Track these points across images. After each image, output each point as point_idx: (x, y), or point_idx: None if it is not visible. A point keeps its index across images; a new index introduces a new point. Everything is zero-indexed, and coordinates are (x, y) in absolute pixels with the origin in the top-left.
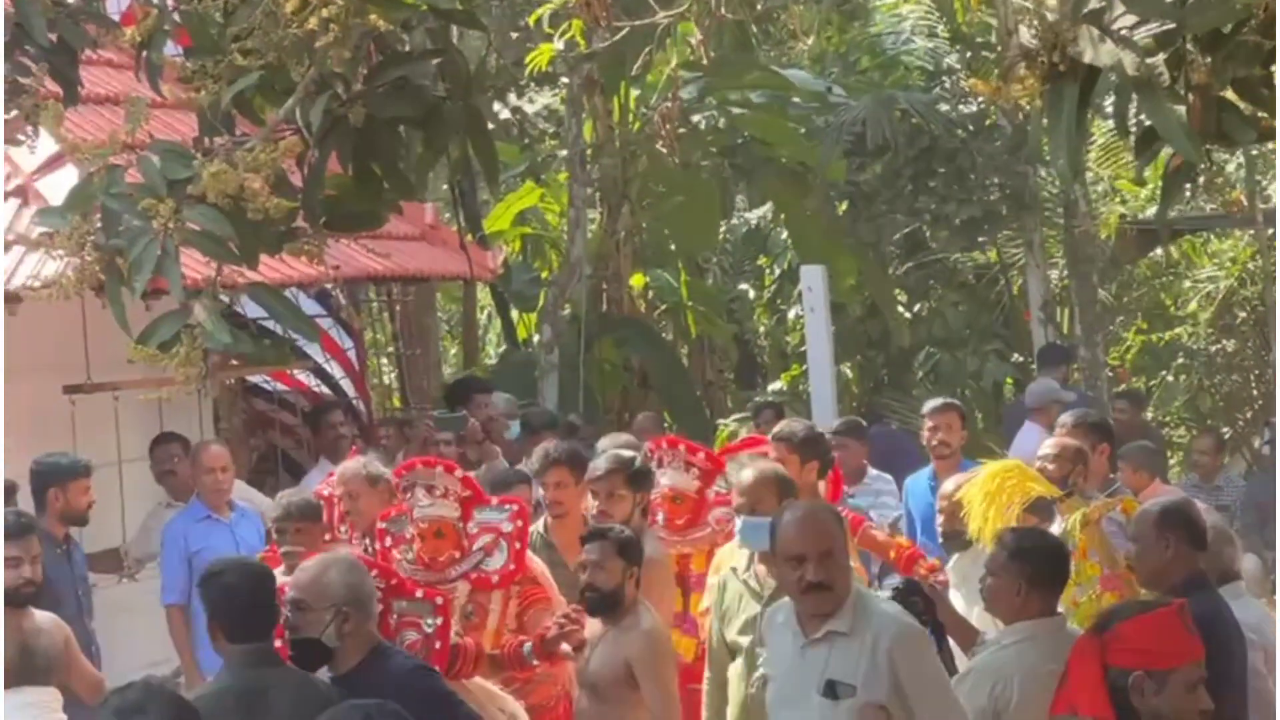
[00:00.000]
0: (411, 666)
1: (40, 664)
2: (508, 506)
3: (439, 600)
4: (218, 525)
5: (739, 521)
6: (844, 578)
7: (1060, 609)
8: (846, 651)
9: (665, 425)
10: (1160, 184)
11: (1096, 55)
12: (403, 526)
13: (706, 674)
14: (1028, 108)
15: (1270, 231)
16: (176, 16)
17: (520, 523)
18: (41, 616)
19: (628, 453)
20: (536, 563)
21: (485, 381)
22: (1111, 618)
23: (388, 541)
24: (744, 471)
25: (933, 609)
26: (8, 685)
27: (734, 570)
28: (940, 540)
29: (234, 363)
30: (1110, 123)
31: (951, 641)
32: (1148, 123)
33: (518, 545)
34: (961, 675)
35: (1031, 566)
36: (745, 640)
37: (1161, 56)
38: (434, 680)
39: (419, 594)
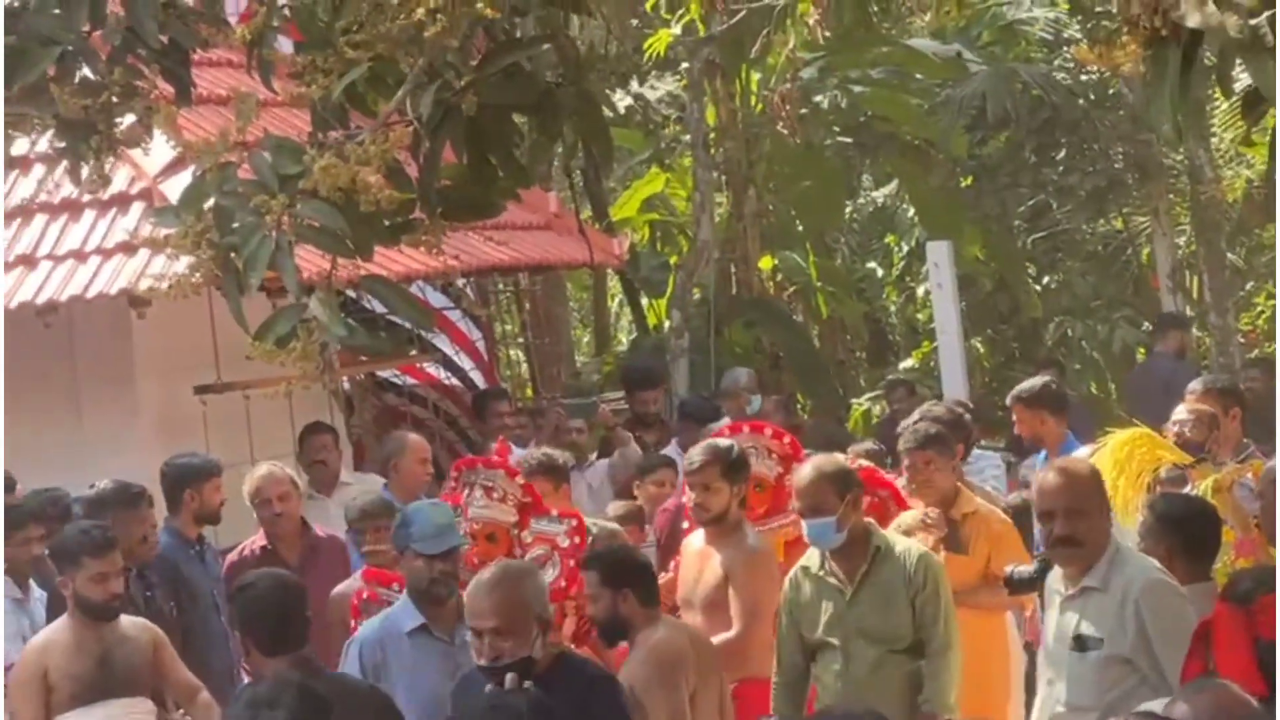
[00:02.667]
0: (599, 675)
1: (120, 675)
2: (566, 520)
3: (574, 521)
4: None
5: (805, 524)
6: (1096, 535)
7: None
8: (1100, 606)
9: (798, 406)
10: (1268, 146)
11: (1199, 18)
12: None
13: (775, 676)
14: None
15: None
16: (287, 12)
17: (578, 540)
18: (128, 624)
19: (724, 442)
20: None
21: (650, 371)
22: (1254, 586)
23: None
24: (802, 470)
25: None
26: (89, 700)
27: (805, 569)
28: None
29: (362, 358)
30: None
31: None
32: (1253, 85)
33: (572, 562)
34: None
35: (1177, 532)
36: (833, 639)
37: (1265, 16)
38: (618, 691)
39: (554, 512)
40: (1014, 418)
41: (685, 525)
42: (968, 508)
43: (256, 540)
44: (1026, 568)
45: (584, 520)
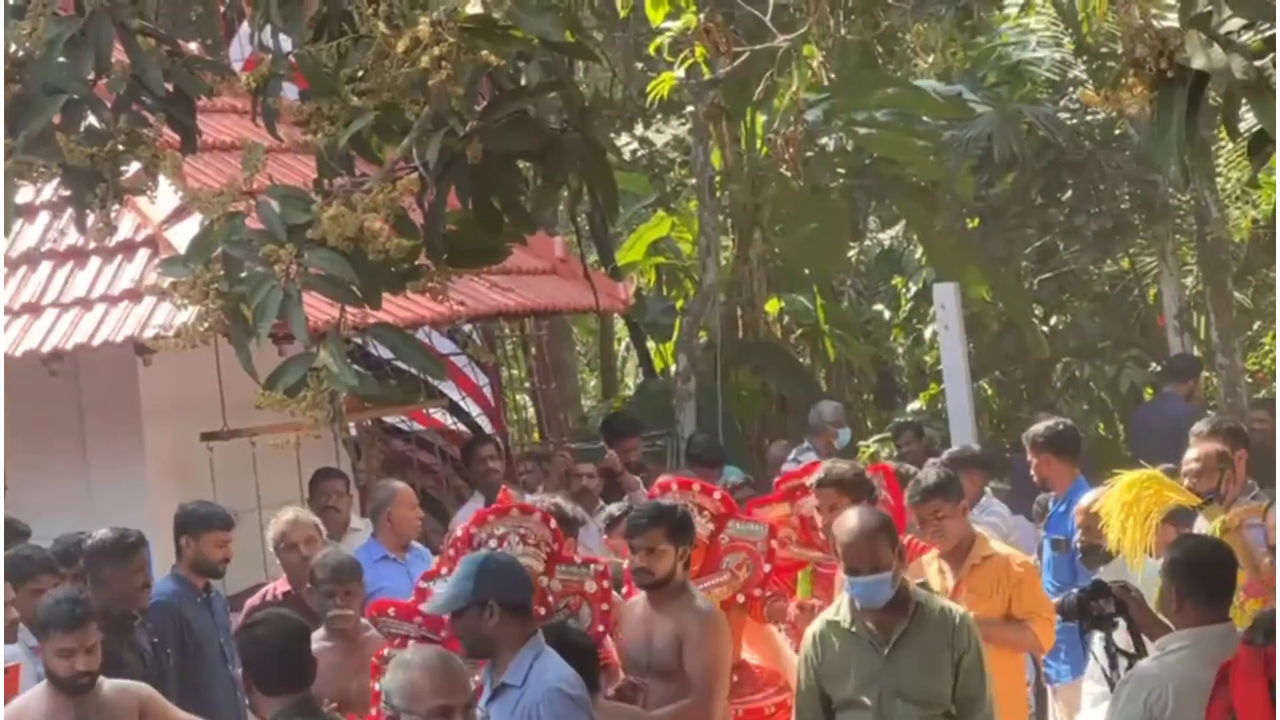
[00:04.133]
0: None
1: None
2: (591, 565)
3: (600, 565)
4: (394, 565)
5: (853, 584)
6: None
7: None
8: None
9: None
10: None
11: (1204, 60)
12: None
13: None
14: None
15: None
16: (292, 60)
17: (606, 584)
18: (110, 690)
19: (668, 502)
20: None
21: (631, 421)
22: (1271, 629)
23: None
24: (849, 524)
25: (1124, 610)
26: None
27: (832, 624)
28: (1080, 555)
29: (367, 405)
30: None
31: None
32: (1259, 126)
33: (604, 606)
34: (1123, 682)
35: (1184, 574)
36: (866, 698)
37: (1270, 58)
38: None
39: (578, 560)
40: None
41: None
42: (986, 551)
43: (279, 585)
44: (1072, 594)
45: (608, 566)
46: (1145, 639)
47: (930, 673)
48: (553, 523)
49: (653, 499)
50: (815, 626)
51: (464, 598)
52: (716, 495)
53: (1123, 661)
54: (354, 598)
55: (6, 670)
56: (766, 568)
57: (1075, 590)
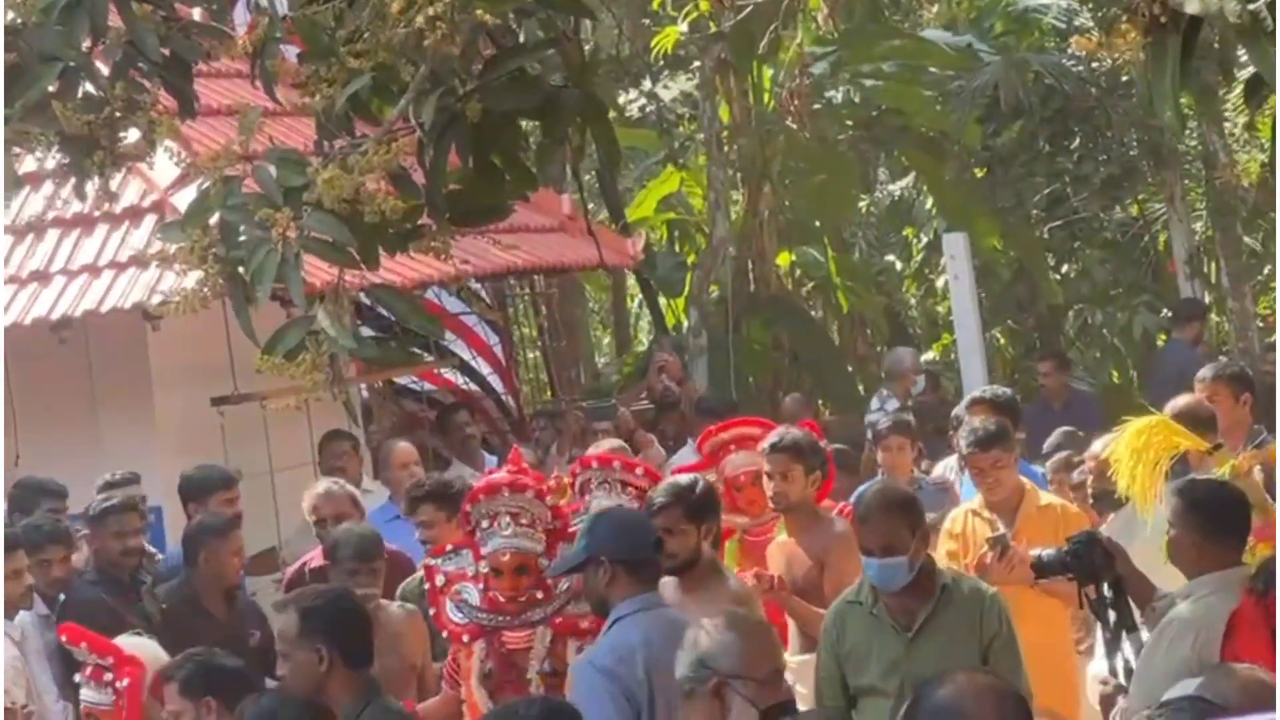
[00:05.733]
0: None
1: None
2: None
3: None
4: (404, 525)
5: (867, 564)
6: None
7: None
8: None
9: (817, 404)
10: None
11: (1197, 4)
12: (463, 562)
13: None
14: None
15: None
16: (289, 22)
17: None
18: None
19: (687, 479)
20: None
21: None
22: (1272, 577)
23: (439, 580)
24: (867, 502)
25: (1112, 562)
26: None
27: (853, 604)
28: (1090, 501)
29: (374, 367)
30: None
31: None
32: (1254, 69)
33: None
34: (1161, 628)
35: (1203, 519)
36: (887, 686)
37: (1264, 1)
38: None
39: None
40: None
41: None
42: (1040, 501)
43: (314, 557)
44: (1054, 550)
45: None
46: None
47: (956, 659)
48: (549, 498)
49: (672, 478)
50: (836, 605)
51: (577, 556)
52: (639, 470)
53: (1111, 614)
54: (378, 575)
55: None
56: None
57: (1049, 549)
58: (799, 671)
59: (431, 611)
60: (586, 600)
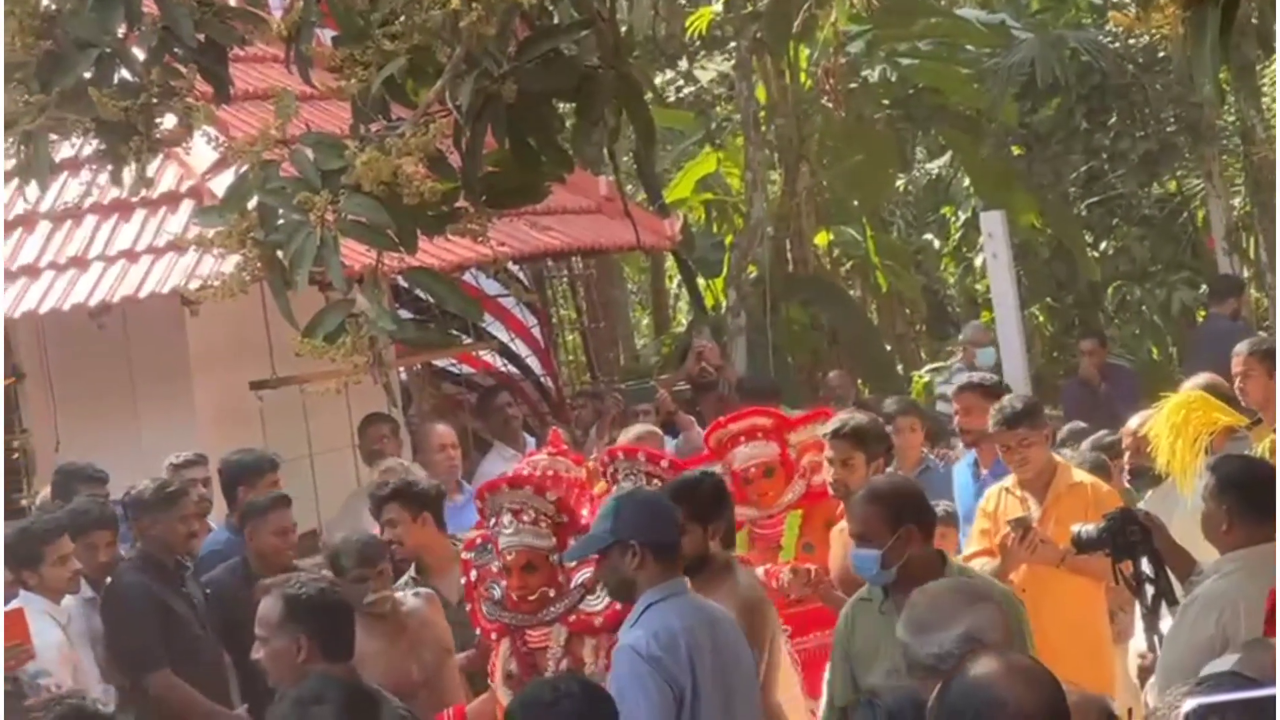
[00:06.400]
0: None
1: None
2: None
3: None
4: (449, 507)
5: (851, 551)
6: None
7: None
8: None
9: (856, 383)
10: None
11: None
12: (490, 558)
13: (823, 717)
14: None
15: None
16: (324, 5)
17: None
18: None
19: (693, 475)
20: None
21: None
22: None
23: (473, 575)
24: (860, 489)
25: (1149, 537)
26: None
27: (864, 601)
28: (1127, 478)
29: (412, 349)
30: None
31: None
32: None
33: None
34: (1185, 604)
35: (1235, 495)
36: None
37: None
38: None
39: None
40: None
41: None
42: (1071, 479)
43: None
44: (1093, 526)
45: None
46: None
47: None
48: (551, 493)
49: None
50: (848, 603)
51: (603, 539)
52: (664, 462)
53: (1149, 589)
54: (386, 576)
55: (10, 614)
56: None
57: (1089, 525)
58: None
59: (468, 608)
60: (605, 584)
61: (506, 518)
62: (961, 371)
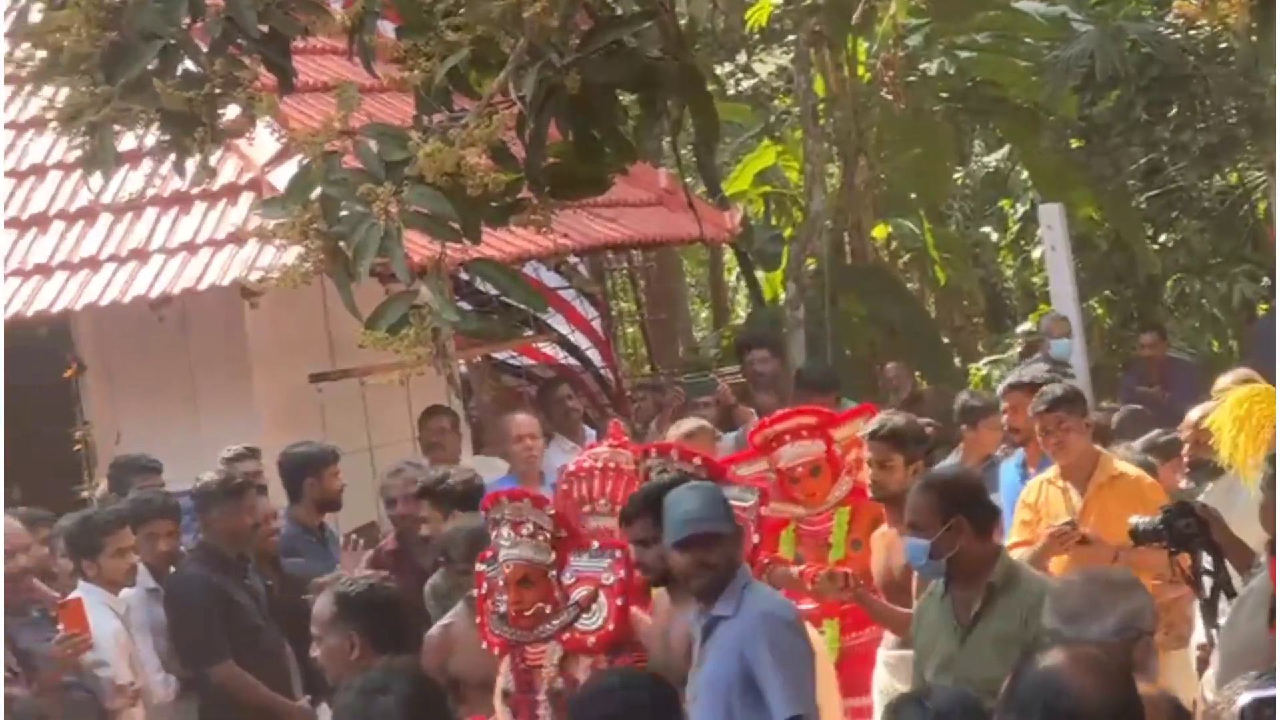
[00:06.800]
0: None
1: None
2: (608, 553)
3: (618, 553)
4: None
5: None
6: None
7: None
8: None
9: (914, 375)
10: None
11: None
12: (498, 570)
13: None
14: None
15: None
16: None
17: (623, 574)
18: None
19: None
20: (645, 621)
21: (760, 335)
22: None
23: (484, 588)
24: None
25: (1207, 530)
26: None
27: (931, 595)
28: (1186, 471)
29: (474, 341)
30: None
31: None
32: None
33: (619, 601)
34: (1242, 596)
35: None
36: (941, 682)
37: None
38: None
39: (595, 545)
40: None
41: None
42: (1113, 470)
43: (390, 540)
44: (1150, 519)
45: (629, 553)
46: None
47: (1000, 662)
48: (549, 507)
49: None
50: (920, 599)
51: (722, 527)
52: (697, 460)
53: (1207, 581)
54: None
55: (68, 604)
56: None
57: (1146, 518)
58: (895, 667)
59: (477, 620)
60: (708, 569)
61: (506, 529)
62: (1036, 362)
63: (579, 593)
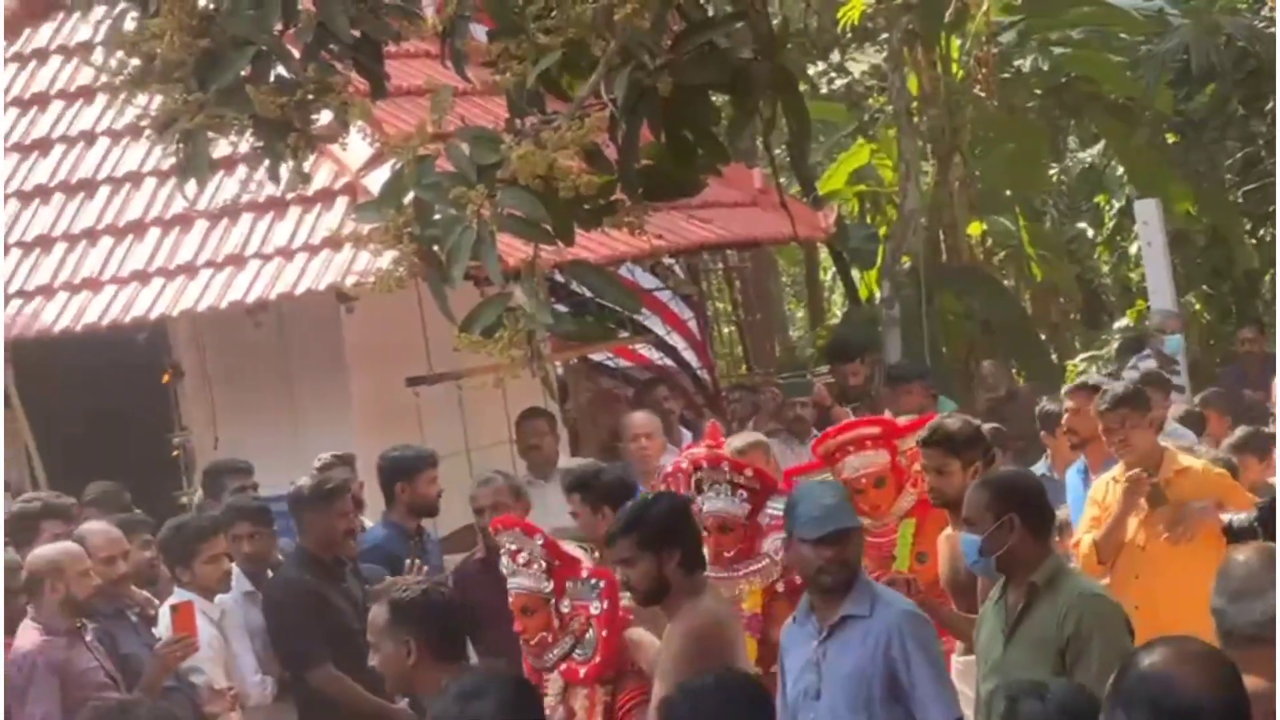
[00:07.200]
0: None
1: None
2: (596, 581)
3: (603, 582)
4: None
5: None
6: None
7: None
8: None
9: (1010, 373)
10: None
11: None
12: None
13: None
14: None
15: None
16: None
17: (607, 604)
18: None
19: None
20: (646, 647)
21: (853, 345)
22: None
23: None
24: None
25: None
26: None
27: (991, 598)
28: None
29: (570, 343)
30: None
31: None
32: None
33: (604, 632)
34: None
35: None
36: (986, 687)
37: None
38: None
39: (585, 573)
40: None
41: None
42: (1177, 465)
43: (477, 549)
44: (1245, 515)
45: (614, 580)
46: None
47: (1035, 667)
48: (539, 535)
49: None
50: (984, 606)
51: (852, 522)
52: (748, 472)
53: None
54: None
55: (180, 607)
56: None
57: (1241, 514)
58: (963, 673)
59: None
60: (830, 570)
61: (505, 558)
62: (1147, 358)
63: (575, 622)
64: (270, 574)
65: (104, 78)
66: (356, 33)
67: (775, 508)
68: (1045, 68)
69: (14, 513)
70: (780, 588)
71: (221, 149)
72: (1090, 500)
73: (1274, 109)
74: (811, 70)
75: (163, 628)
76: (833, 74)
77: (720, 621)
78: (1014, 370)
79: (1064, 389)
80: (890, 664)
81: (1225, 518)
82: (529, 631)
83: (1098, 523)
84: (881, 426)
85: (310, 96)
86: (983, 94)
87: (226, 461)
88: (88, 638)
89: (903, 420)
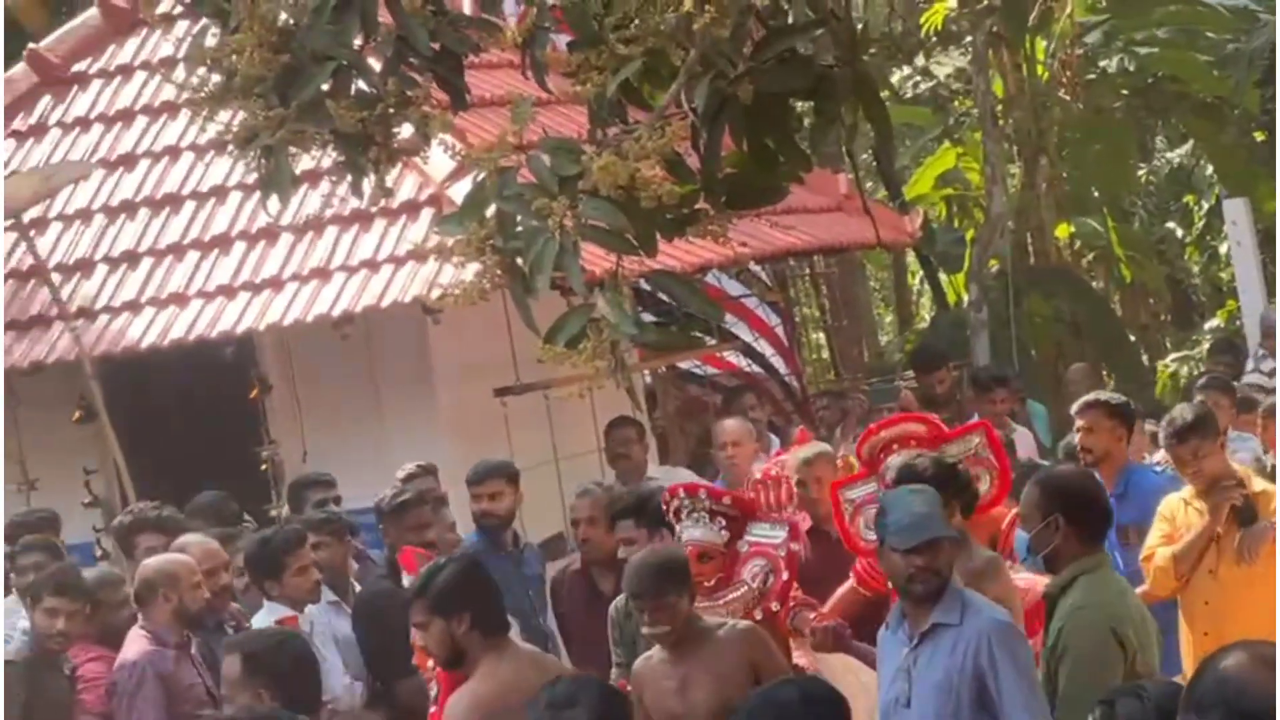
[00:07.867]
0: None
1: None
2: (781, 528)
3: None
4: None
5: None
6: None
7: None
8: None
9: (1101, 375)
10: None
11: None
12: None
13: None
14: None
15: None
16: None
17: (795, 547)
18: None
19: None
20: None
21: (938, 353)
22: None
23: None
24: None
25: None
26: None
27: None
28: None
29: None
30: None
31: None
32: None
33: (785, 575)
34: None
35: None
36: None
37: None
38: None
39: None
40: None
41: None
42: (1255, 487)
43: (574, 561)
44: None
45: (799, 528)
46: None
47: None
48: (726, 499)
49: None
50: None
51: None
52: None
53: None
54: (670, 607)
55: (285, 623)
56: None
57: None
58: None
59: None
60: (938, 575)
61: (684, 515)
62: (1266, 359)
63: (754, 565)
64: (338, 584)
65: (186, 94)
66: (436, 46)
67: (755, 534)
68: (1131, 68)
69: (113, 526)
70: (758, 615)
71: (304, 163)
72: (1160, 517)
73: None
74: (896, 74)
75: None
76: (917, 78)
77: (507, 691)
78: (1104, 372)
79: (1074, 406)
80: (979, 673)
81: None
82: (705, 575)
83: (1169, 539)
84: (928, 426)
85: (391, 110)
86: (1068, 95)
87: (310, 475)
88: (192, 651)
89: (1037, 407)
